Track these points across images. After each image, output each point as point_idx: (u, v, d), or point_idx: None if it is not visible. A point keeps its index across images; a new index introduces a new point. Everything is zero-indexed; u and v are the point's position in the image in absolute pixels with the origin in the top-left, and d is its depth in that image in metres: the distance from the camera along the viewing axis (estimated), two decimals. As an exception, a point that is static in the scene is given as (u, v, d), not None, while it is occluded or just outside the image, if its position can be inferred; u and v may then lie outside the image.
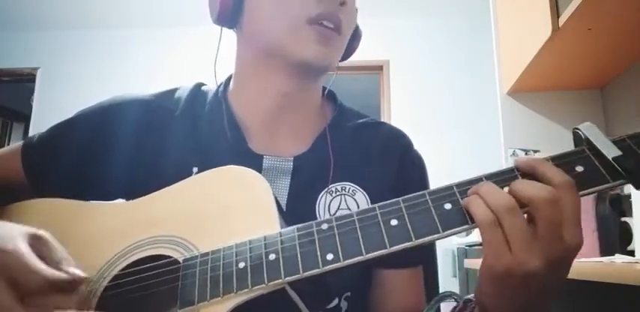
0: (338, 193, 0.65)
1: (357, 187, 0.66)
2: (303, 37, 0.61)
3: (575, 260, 0.43)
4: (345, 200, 0.65)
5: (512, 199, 0.40)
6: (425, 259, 0.71)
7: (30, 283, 0.39)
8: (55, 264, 0.44)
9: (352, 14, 0.67)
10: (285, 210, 0.63)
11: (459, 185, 0.44)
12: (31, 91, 3.61)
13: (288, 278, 0.43)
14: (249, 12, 0.65)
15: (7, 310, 0.38)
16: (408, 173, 0.71)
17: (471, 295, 0.50)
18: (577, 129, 0.45)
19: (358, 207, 0.65)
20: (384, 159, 0.70)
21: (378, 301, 0.67)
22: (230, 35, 0.71)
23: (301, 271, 0.43)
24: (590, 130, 0.44)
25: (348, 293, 0.64)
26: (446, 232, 0.42)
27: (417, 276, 0.68)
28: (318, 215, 0.63)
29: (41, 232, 0.46)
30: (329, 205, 0.64)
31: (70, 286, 0.42)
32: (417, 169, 0.74)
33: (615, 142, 0.43)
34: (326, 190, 0.65)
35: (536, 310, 0.43)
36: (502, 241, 0.40)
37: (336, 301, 0.63)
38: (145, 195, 0.57)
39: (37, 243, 0.44)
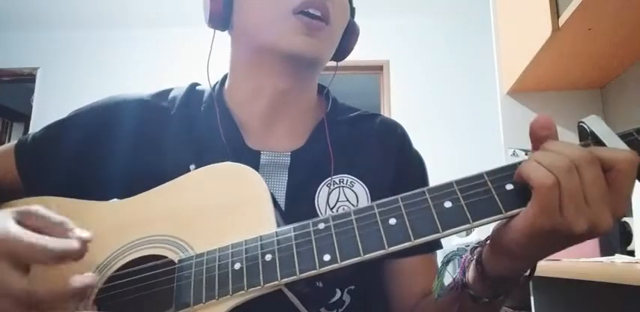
0: (336, 186, 0.65)
1: (355, 178, 0.66)
2: (290, 28, 0.61)
3: (575, 260, 0.43)
4: (344, 192, 0.65)
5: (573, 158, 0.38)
6: (438, 246, 0.71)
7: (41, 260, 0.40)
8: (54, 230, 0.44)
9: (342, 5, 0.67)
10: (284, 205, 0.63)
11: (459, 182, 0.43)
12: (31, 91, 3.61)
13: (285, 280, 0.43)
14: (239, 10, 0.66)
15: (22, 293, 0.38)
16: (408, 163, 0.72)
17: (475, 243, 0.49)
18: (582, 122, 0.43)
19: (357, 199, 0.65)
20: (381, 150, 0.70)
21: (394, 288, 0.67)
22: (225, 37, 0.72)
23: (298, 273, 0.43)
24: (596, 124, 0.42)
25: (352, 287, 0.63)
26: (446, 232, 0.41)
27: (432, 261, 0.68)
28: (317, 208, 0.63)
29: (27, 207, 0.46)
30: (328, 198, 0.64)
31: (81, 249, 0.43)
32: (416, 159, 0.74)
33: (622, 136, 0.41)
34: (324, 183, 0.65)
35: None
36: (556, 203, 0.38)
37: (338, 295, 0.62)
38: (141, 194, 0.57)
39: (27, 218, 0.44)
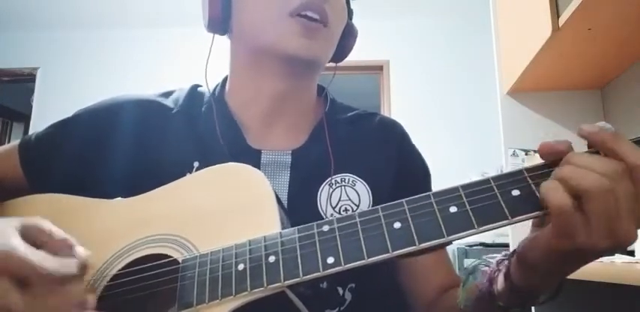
0: (338, 185, 0.65)
1: (357, 177, 0.66)
2: (287, 30, 0.61)
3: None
4: (346, 191, 0.65)
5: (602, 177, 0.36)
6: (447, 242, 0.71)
7: (38, 279, 0.39)
8: (56, 248, 0.43)
9: (340, 7, 0.67)
10: (286, 204, 0.63)
11: (464, 187, 0.42)
12: (31, 91, 3.61)
13: (288, 282, 0.43)
14: (237, 13, 0.66)
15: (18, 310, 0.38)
16: (409, 161, 0.72)
17: (502, 254, 0.48)
18: None
19: (359, 198, 0.65)
20: (382, 148, 0.71)
21: (411, 286, 0.68)
22: (224, 40, 0.72)
23: (301, 275, 0.42)
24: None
25: (353, 284, 0.63)
26: (451, 237, 0.41)
27: (444, 255, 0.69)
28: (320, 207, 0.63)
29: (32, 220, 0.45)
30: (330, 197, 0.64)
31: (80, 269, 0.42)
32: (417, 157, 0.74)
33: (637, 142, 0.40)
34: (326, 182, 0.65)
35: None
36: (576, 227, 0.37)
37: (340, 293, 0.62)
38: (145, 192, 0.57)
39: (31, 232, 0.44)
